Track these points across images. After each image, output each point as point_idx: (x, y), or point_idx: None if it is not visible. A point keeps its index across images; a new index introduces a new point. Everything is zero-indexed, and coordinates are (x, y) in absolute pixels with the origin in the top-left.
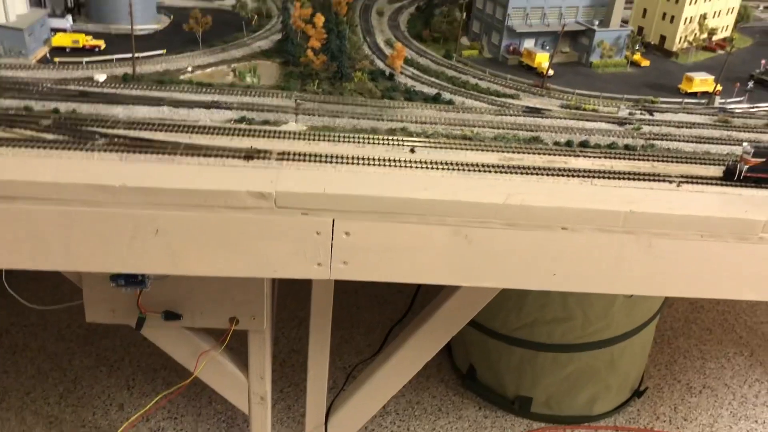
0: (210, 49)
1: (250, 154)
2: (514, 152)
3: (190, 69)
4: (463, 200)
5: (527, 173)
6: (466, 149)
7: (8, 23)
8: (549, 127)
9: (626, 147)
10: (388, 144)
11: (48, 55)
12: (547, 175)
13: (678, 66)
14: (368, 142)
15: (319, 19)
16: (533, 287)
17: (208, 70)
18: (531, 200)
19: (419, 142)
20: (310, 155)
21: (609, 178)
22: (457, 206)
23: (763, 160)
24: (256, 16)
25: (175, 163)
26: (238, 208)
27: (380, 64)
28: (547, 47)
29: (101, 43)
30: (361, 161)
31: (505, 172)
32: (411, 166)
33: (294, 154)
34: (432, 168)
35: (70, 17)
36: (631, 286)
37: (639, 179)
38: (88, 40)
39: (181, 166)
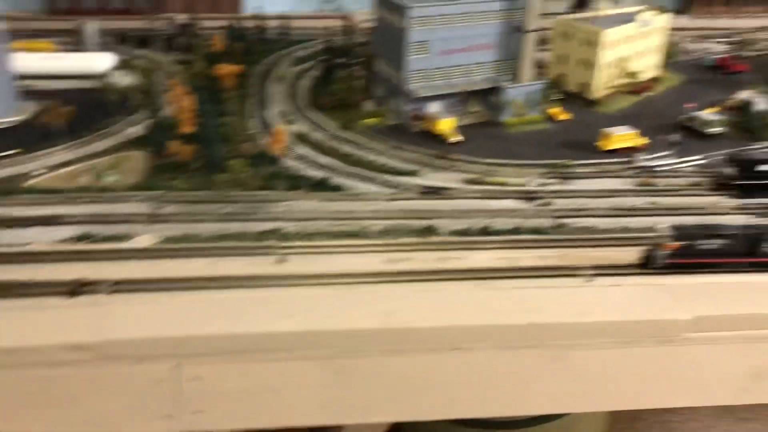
0: (72, 144)
1: (76, 289)
2: (401, 251)
3: (40, 172)
4: (332, 329)
5: (414, 279)
6: (347, 252)
7: None
8: (447, 211)
9: (533, 230)
10: (254, 254)
11: None
12: (438, 279)
13: (600, 116)
14: (230, 254)
15: (189, 100)
16: (430, 417)
17: (63, 170)
18: (414, 320)
19: (293, 246)
20: (152, 281)
21: (510, 277)
22: (325, 337)
23: (686, 242)
24: (138, 95)
25: None
26: (54, 364)
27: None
28: (457, 108)
29: None
30: (215, 284)
31: (389, 281)
32: (277, 285)
33: (133, 282)
34: (302, 284)
35: None
36: (542, 405)
37: (545, 276)
38: None
39: None
